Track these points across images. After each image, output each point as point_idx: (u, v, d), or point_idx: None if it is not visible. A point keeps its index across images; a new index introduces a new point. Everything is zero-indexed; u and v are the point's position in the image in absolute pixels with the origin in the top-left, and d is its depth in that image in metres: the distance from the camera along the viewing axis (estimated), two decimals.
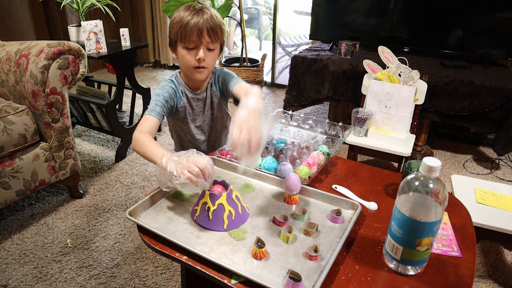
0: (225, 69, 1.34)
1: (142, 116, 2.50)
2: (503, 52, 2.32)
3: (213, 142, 1.42)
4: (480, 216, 1.30)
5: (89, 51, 2.18)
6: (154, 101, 1.21)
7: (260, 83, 3.46)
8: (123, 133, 2.41)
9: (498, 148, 2.17)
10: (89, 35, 2.16)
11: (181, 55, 1.20)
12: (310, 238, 0.86)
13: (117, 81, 2.32)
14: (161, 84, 1.29)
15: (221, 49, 1.26)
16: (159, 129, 2.66)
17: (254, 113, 0.88)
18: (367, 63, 1.94)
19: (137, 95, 2.59)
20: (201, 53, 1.17)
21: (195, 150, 0.95)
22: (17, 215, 1.85)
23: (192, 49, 1.17)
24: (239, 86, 1.21)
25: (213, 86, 1.33)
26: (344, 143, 1.60)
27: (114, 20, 2.85)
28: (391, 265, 0.79)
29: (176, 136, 1.43)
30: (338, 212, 0.92)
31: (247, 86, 1.15)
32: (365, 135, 1.88)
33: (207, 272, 0.76)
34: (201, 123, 1.36)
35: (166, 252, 0.81)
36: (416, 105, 1.86)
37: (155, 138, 1.15)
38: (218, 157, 1.17)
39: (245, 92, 1.12)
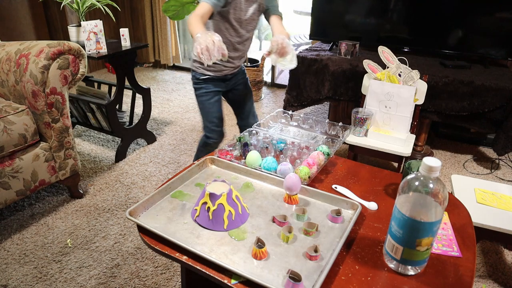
0: None
1: (142, 115, 2.51)
2: (503, 52, 2.32)
3: (240, 47, 1.62)
4: (480, 216, 1.30)
5: (89, 51, 2.18)
6: None
7: (260, 83, 3.46)
8: (123, 133, 2.41)
9: (498, 148, 2.17)
10: (89, 35, 2.16)
11: None
12: (310, 238, 0.86)
13: (117, 81, 2.32)
14: None
15: None
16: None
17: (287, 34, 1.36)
18: (367, 63, 1.94)
19: (137, 95, 2.59)
20: None
21: (211, 31, 1.22)
22: (17, 215, 1.85)
23: None
24: (277, 18, 1.54)
25: None
26: (344, 143, 1.60)
27: (114, 20, 2.85)
28: (391, 265, 0.79)
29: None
30: (338, 212, 0.92)
31: (282, 26, 1.52)
32: (365, 135, 1.88)
33: (207, 272, 0.76)
34: (241, 22, 1.53)
35: (166, 252, 0.81)
36: (416, 105, 1.86)
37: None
38: (218, 157, 1.17)
39: (279, 31, 1.47)
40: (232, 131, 2.75)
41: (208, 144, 1.79)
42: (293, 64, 1.37)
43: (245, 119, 1.84)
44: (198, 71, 1.65)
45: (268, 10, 1.58)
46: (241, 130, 1.88)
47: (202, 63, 1.34)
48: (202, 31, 1.21)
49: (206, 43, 1.15)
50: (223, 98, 1.78)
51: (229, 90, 1.77)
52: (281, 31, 1.46)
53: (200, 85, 1.67)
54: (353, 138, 1.88)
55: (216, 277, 0.75)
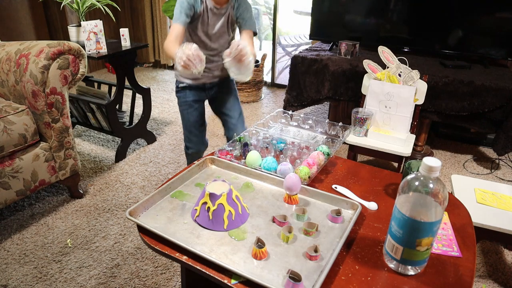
0: (247, 3, 1.53)
1: (142, 115, 2.51)
2: (503, 52, 2.32)
3: (215, 59, 1.58)
4: (480, 216, 1.30)
5: (89, 51, 2.18)
6: (179, 8, 1.41)
7: (260, 83, 3.46)
8: (123, 133, 2.41)
9: (498, 148, 2.17)
10: (89, 35, 2.16)
11: None
12: (310, 238, 0.86)
13: (117, 81, 2.32)
14: None
15: None
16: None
17: (251, 51, 1.26)
18: (367, 63, 1.94)
19: (137, 95, 2.59)
20: None
21: (185, 43, 1.21)
22: (17, 215, 1.85)
23: None
24: (247, 34, 1.50)
25: (234, 9, 1.48)
26: (344, 143, 1.60)
27: (114, 20, 2.85)
28: (391, 265, 0.79)
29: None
30: (338, 212, 0.92)
31: (250, 43, 1.47)
32: (365, 135, 1.88)
33: (207, 272, 0.76)
34: (210, 36, 1.51)
35: (166, 252, 0.81)
36: (416, 105, 1.86)
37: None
38: (218, 157, 1.17)
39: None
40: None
41: (188, 154, 1.80)
42: (245, 77, 1.30)
43: (231, 131, 1.71)
44: (178, 79, 1.65)
45: (239, 24, 1.53)
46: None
47: (181, 71, 1.33)
48: (178, 48, 1.23)
49: (185, 55, 1.17)
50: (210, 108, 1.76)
51: (213, 99, 1.72)
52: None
53: (180, 93, 1.66)
54: (353, 138, 1.88)
55: (216, 277, 0.75)
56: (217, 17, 1.48)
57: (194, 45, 1.19)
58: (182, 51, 1.18)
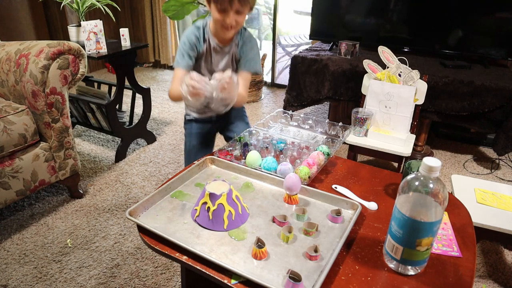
0: (253, 41, 1.44)
1: (142, 115, 2.51)
2: (503, 52, 2.32)
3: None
4: (480, 216, 1.30)
5: (89, 51, 2.18)
6: (181, 50, 1.35)
7: (260, 83, 3.46)
8: (123, 133, 2.41)
9: (498, 148, 2.17)
10: (89, 35, 2.16)
11: (212, 10, 1.28)
12: (310, 238, 0.86)
13: (117, 81, 2.32)
14: (187, 30, 1.37)
15: (251, 9, 1.32)
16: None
17: (235, 90, 1.16)
18: (367, 63, 1.94)
19: (137, 95, 2.59)
20: (229, 19, 1.25)
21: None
22: (17, 215, 1.85)
23: (223, 10, 1.24)
24: (243, 75, 1.39)
25: (238, 47, 1.42)
26: (344, 143, 1.60)
27: (114, 20, 2.85)
28: (391, 265, 0.79)
29: None
30: (338, 212, 0.92)
31: (243, 86, 1.35)
32: (365, 135, 1.88)
33: (207, 272, 0.76)
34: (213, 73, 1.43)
35: (166, 252, 0.81)
36: (416, 105, 1.86)
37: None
38: (218, 157, 1.17)
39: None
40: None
41: None
42: (221, 109, 1.21)
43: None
44: (186, 111, 1.59)
45: (240, 62, 1.44)
46: None
47: (187, 104, 1.23)
48: (181, 84, 1.15)
49: (190, 84, 1.10)
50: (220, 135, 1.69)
51: (223, 128, 1.64)
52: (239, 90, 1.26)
53: (186, 125, 1.60)
54: (353, 138, 1.87)
55: (216, 277, 0.75)
56: (221, 55, 1.41)
57: (193, 73, 1.13)
58: (185, 83, 1.11)
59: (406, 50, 2.58)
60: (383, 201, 1.02)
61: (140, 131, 2.56)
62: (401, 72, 1.84)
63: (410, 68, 1.82)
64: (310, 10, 2.76)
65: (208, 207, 0.87)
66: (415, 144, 2.40)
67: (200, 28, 1.38)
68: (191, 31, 1.37)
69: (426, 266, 0.79)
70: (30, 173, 1.71)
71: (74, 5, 2.37)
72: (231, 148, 1.21)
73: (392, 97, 1.84)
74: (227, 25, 1.27)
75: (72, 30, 2.36)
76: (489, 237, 1.39)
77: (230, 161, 1.14)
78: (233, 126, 1.60)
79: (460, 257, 0.83)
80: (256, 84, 3.40)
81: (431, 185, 0.71)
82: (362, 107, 1.97)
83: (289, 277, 0.72)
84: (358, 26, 2.69)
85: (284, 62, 4.45)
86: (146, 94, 2.53)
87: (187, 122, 1.60)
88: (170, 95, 1.35)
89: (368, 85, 1.91)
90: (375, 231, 0.90)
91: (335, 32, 2.77)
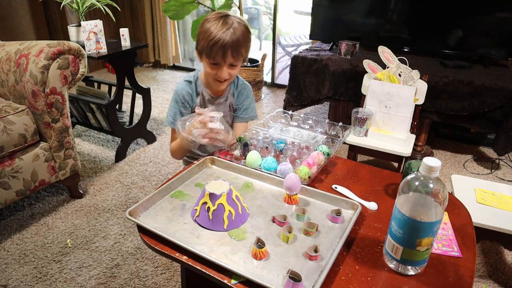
0: (248, 89, 1.40)
1: (142, 115, 2.51)
2: (503, 52, 2.32)
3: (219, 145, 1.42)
4: (480, 216, 1.30)
5: (89, 51, 2.18)
6: (173, 108, 1.31)
7: (260, 83, 3.46)
8: (123, 133, 2.41)
9: (498, 148, 2.17)
10: (89, 35, 2.16)
11: (205, 63, 1.24)
12: (310, 238, 0.86)
13: (117, 81, 2.32)
14: (178, 86, 1.31)
15: (244, 60, 1.28)
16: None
17: (224, 140, 1.15)
18: (367, 63, 1.94)
19: (137, 95, 2.59)
20: (222, 73, 1.21)
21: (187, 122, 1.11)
22: (17, 215, 1.85)
23: (215, 64, 1.20)
24: (243, 127, 1.39)
25: (234, 97, 1.37)
26: (344, 143, 1.60)
27: (114, 20, 2.84)
28: (391, 265, 0.79)
29: None
30: (338, 212, 0.92)
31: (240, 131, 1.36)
32: (365, 135, 1.88)
33: (207, 272, 0.76)
34: None
35: (166, 252, 0.81)
36: (416, 105, 1.86)
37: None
38: (218, 157, 1.17)
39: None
40: None
41: None
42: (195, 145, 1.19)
43: None
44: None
45: (236, 111, 1.40)
46: None
47: (211, 146, 1.21)
48: (182, 136, 1.12)
49: (201, 129, 1.07)
50: None
51: None
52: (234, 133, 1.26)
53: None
54: (353, 138, 1.87)
55: (216, 277, 0.75)
56: (217, 106, 1.36)
57: (197, 117, 1.08)
58: (194, 128, 1.08)
59: (406, 50, 2.58)
60: (383, 201, 1.02)
61: (140, 131, 2.56)
62: (401, 72, 1.84)
63: (410, 68, 1.82)
64: (310, 10, 2.76)
65: (208, 207, 0.87)
66: (415, 144, 2.40)
67: (191, 82, 1.32)
68: (182, 87, 1.31)
69: (426, 266, 0.79)
70: (30, 173, 1.71)
71: (74, 5, 2.37)
72: (231, 148, 1.21)
73: (392, 97, 1.84)
74: (221, 79, 1.23)
75: (72, 30, 2.36)
76: (489, 237, 1.39)
77: (230, 161, 1.14)
78: None
79: (460, 257, 0.83)
80: (256, 84, 3.40)
81: (431, 185, 0.70)
82: (362, 107, 1.97)
83: (289, 277, 0.72)
84: (358, 26, 2.69)
85: (284, 62, 4.45)
86: (146, 94, 2.53)
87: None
88: (173, 154, 1.33)
89: (368, 85, 1.91)
90: (375, 231, 0.90)
91: (335, 32, 2.77)
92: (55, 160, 1.81)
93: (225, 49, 1.16)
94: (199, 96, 1.34)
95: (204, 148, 1.38)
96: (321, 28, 2.80)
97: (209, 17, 1.19)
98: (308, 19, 2.82)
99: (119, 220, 1.82)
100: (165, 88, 3.79)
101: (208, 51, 1.17)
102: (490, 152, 2.59)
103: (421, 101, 1.85)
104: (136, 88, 2.49)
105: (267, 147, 1.18)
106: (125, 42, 2.35)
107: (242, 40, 1.18)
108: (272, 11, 3.70)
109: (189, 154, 1.45)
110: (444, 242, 0.87)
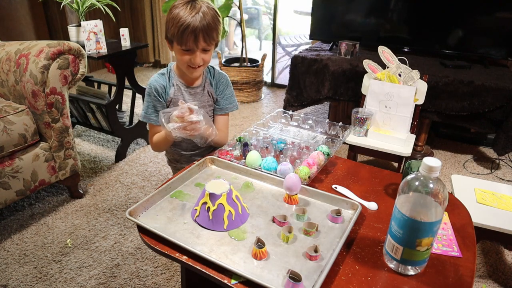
0: (226, 78, 1.36)
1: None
2: (503, 52, 2.32)
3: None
4: (480, 216, 1.30)
5: (89, 51, 2.18)
6: (145, 103, 1.29)
7: (260, 83, 3.46)
8: (123, 133, 2.41)
9: (498, 148, 2.17)
10: (89, 35, 2.16)
11: (176, 51, 1.21)
12: (310, 238, 0.86)
13: (117, 81, 2.32)
14: (150, 80, 1.28)
15: (216, 45, 1.26)
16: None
17: (205, 132, 1.16)
18: (367, 63, 1.94)
19: (137, 95, 2.59)
20: (196, 58, 1.18)
21: (165, 110, 1.11)
22: (17, 215, 1.85)
23: (188, 50, 1.18)
24: (225, 119, 1.37)
25: (212, 86, 1.34)
26: (344, 143, 1.60)
27: (114, 20, 2.85)
28: (391, 265, 0.79)
29: None
30: (338, 212, 0.92)
31: (225, 129, 1.37)
32: (365, 135, 1.88)
33: (207, 272, 0.76)
34: None
35: (166, 252, 0.81)
36: (416, 105, 1.86)
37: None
38: (218, 157, 1.17)
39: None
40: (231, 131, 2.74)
41: None
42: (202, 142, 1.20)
43: None
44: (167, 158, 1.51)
45: (218, 102, 1.35)
46: None
47: (198, 139, 1.19)
48: (164, 131, 1.13)
49: (178, 121, 1.07)
50: None
51: None
52: (215, 128, 1.21)
53: (171, 164, 1.52)
54: (353, 138, 1.87)
55: (216, 277, 0.75)
56: (194, 96, 1.31)
57: (174, 112, 1.08)
58: (171, 122, 1.08)
59: (406, 50, 2.58)
60: (383, 201, 1.02)
61: (140, 131, 2.56)
62: (401, 72, 1.84)
63: (410, 68, 1.82)
64: (310, 10, 2.76)
65: (208, 207, 0.87)
66: (415, 144, 2.40)
67: (164, 74, 1.29)
68: (154, 79, 1.28)
69: (426, 266, 0.79)
70: (30, 173, 1.71)
71: (74, 5, 2.37)
72: (231, 148, 1.21)
73: (392, 97, 1.84)
74: (195, 65, 1.20)
75: (72, 30, 2.36)
76: (489, 237, 1.39)
77: (230, 161, 1.14)
78: None
79: (460, 257, 0.83)
80: (256, 84, 3.40)
81: (431, 185, 0.71)
82: (362, 107, 1.97)
83: (289, 277, 0.72)
84: (358, 26, 2.69)
85: (284, 62, 4.45)
86: None
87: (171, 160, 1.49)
88: (155, 148, 1.32)
89: (368, 85, 1.91)
90: (375, 231, 0.90)
91: (335, 32, 2.77)
92: (55, 160, 1.81)
93: (196, 34, 1.13)
94: (173, 87, 1.29)
95: (186, 146, 1.37)
96: (321, 28, 2.80)
97: (176, 3, 1.16)
98: (308, 19, 2.82)
99: (119, 220, 1.82)
100: None
101: (179, 38, 1.14)
102: (490, 152, 2.59)
103: (421, 101, 1.85)
104: (136, 88, 2.49)
105: (267, 147, 1.18)
106: (125, 42, 2.35)
107: (213, 24, 1.16)
108: (272, 11, 3.70)
109: (175, 157, 1.43)
110: (444, 242, 0.87)
